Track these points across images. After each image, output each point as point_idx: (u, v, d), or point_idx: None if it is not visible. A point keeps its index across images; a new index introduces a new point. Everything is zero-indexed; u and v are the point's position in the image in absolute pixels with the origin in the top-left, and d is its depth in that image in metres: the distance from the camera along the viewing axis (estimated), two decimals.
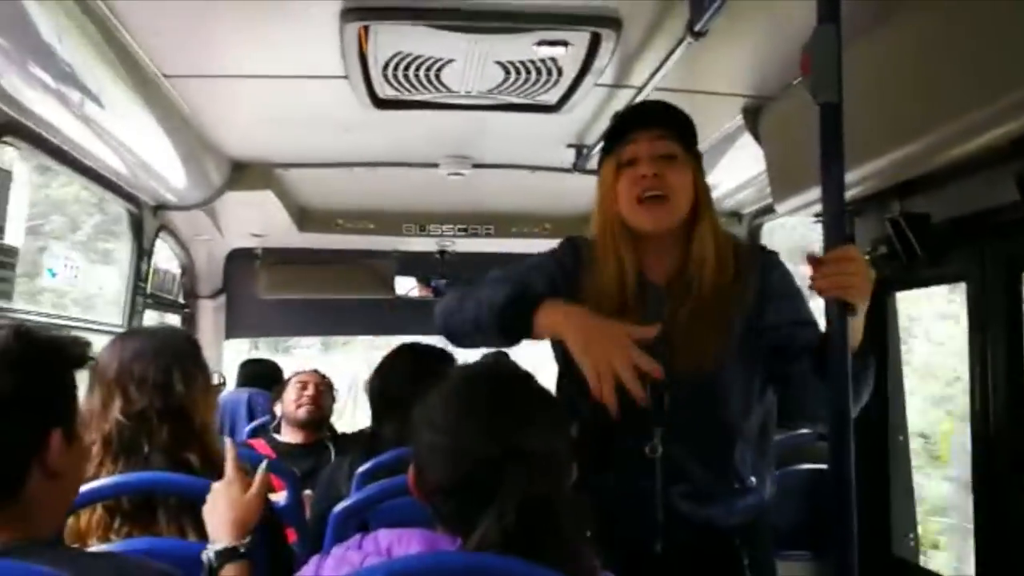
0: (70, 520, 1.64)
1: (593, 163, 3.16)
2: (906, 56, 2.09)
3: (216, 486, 1.62)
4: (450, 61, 2.41)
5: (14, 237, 2.31)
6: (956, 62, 1.91)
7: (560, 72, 2.49)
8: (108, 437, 1.73)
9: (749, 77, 2.64)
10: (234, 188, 3.58)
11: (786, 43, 2.18)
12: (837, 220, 1.60)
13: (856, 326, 1.64)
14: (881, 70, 2.14)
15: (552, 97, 2.70)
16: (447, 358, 2.41)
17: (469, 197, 4.11)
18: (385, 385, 2.41)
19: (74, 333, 1.61)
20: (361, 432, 3.28)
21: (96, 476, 1.67)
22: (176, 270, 4.47)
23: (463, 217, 4.46)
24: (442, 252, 4.83)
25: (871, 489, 2.70)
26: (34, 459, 1.13)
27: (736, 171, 3.31)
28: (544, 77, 2.53)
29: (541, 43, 2.28)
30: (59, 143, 2.56)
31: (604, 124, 2.89)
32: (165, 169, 3.11)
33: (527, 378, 1.32)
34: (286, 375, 4.23)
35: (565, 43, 2.28)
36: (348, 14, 2.13)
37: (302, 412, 3.67)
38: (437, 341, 2.38)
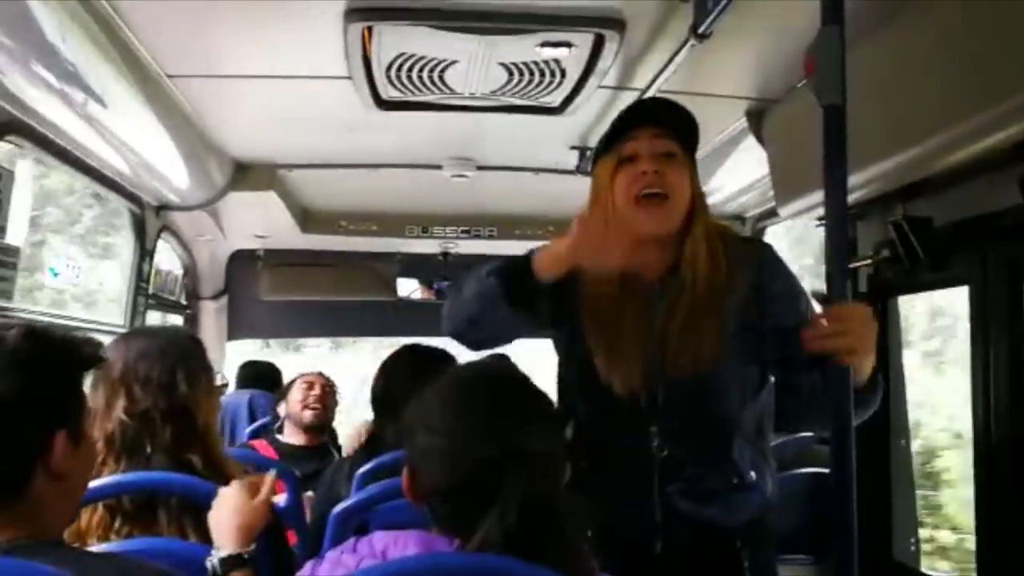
0: None
1: None
2: (910, 59, 2.09)
3: (223, 491, 1.61)
4: (453, 62, 2.41)
5: (15, 237, 2.31)
6: (959, 65, 1.91)
7: (563, 74, 2.49)
8: (111, 436, 1.72)
9: (753, 79, 2.64)
10: (237, 189, 3.58)
11: (790, 45, 2.18)
12: (840, 223, 1.60)
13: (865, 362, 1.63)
14: (885, 72, 2.14)
15: (555, 99, 2.69)
16: (449, 359, 2.41)
17: (472, 199, 4.10)
18: (387, 386, 2.41)
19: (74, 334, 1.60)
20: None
21: (98, 475, 1.66)
22: (178, 271, 4.47)
23: (466, 219, 4.45)
24: (445, 254, 4.83)
25: (872, 494, 2.69)
26: (39, 460, 1.13)
27: (739, 174, 3.31)
28: (547, 79, 2.53)
29: (544, 44, 2.28)
30: (62, 142, 2.56)
31: (607, 126, 2.88)
32: (168, 169, 3.11)
33: (524, 379, 1.32)
34: (286, 376, 4.23)
35: (568, 44, 2.28)
36: (352, 15, 2.13)
37: (308, 415, 3.66)
38: (440, 343, 2.38)
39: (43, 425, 1.13)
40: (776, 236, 3.98)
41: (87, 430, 1.22)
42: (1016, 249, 2.15)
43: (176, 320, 4.45)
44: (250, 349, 6.14)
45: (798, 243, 5.39)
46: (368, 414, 2.59)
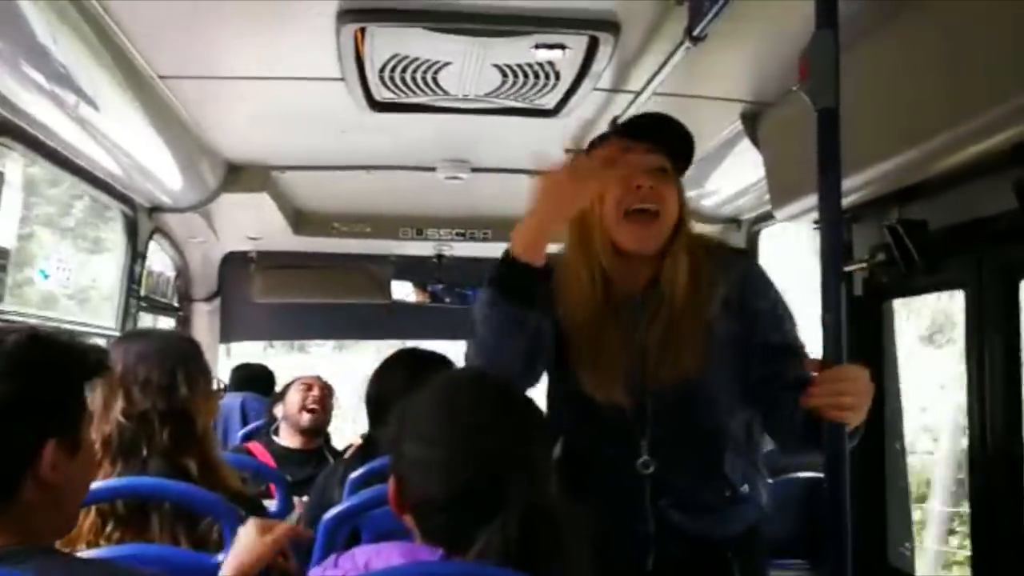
0: None
1: None
2: (905, 62, 2.09)
3: (242, 530, 1.59)
4: (447, 64, 2.40)
5: (5, 239, 2.29)
6: (955, 69, 1.91)
7: (558, 76, 2.48)
8: (108, 438, 1.72)
9: (748, 82, 2.63)
10: (229, 190, 3.56)
11: (785, 48, 2.17)
12: (834, 227, 1.59)
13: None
14: (879, 76, 2.13)
15: (550, 101, 2.68)
16: (446, 364, 2.39)
17: (467, 201, 4.09)
18: (381, 390, 2.39)
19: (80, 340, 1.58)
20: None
21: (94, 478, 1.65)
22: (171, 272, 4.45)
23: (460, 221, 4.44)
24: (439, 256, 4.81)
25: (867, 498, 2.69)
26: (28, 468, 1.11)
27: (735, 177, 3.30)
28: (542, 81, 2.52)
29: (539, 46, 2.27)
30: (53, 144, 2.54)
31: (602, 129, 2.88)
32: (160, 171, 3.10)
33: (513, 387, 1.31)
34: (280, 379, 4.22)
35: (563, 47, 2.27)
36: (344, 16, 2.12)
37: (306, 417, 3.65)
38: (437, 347, 2.36)
39: (33, 433, 1.11)
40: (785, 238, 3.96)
41: (87, 438, 1.20)
42: (1011, 253, 2.14)
43: (168, 323, 4.43)
44: (253, 351, 6.14)
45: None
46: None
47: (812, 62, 1.55)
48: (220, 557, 1.58)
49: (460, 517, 1.15)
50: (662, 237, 1.80)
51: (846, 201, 2.08)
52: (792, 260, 4.97)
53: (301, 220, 4.36)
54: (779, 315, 1.85)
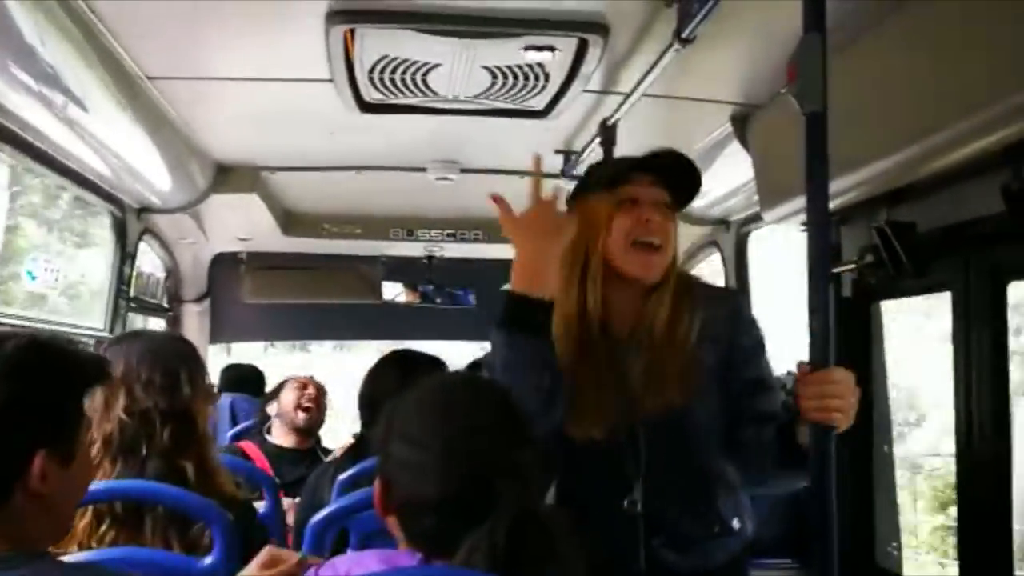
0: None
1: (582, 170, 3.15)
2: (892, 66, 2.09)
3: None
4: (437, 65, 2.40)
5: None
6: (943, 72, 1.92)
7: (547, 77, 2.48)
8: (109, 437, 1.71)
9: (737, 85, 2.64)
10: (219, 191, 3.55)
11: (774, 51, 2.17)
12: (822, 230, 1.60)
13: None
14: (868, 79, 2.14)
15: (539, 103, 2.68)
16: (439, 366, 2.39)
17: (457, 202, 4.08)
18: (374, 391, 2.39)
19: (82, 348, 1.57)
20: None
21: (96, 476, 1.65)
22: (160, 273, 4.43)
23: (451, 222, 4.43)
24: (429, 257, 4.81)
25: (855, 499, 2.70)
26: (19, 477, 1.10)
27: (724, 179, 3.30)
28: (531, 82, 2.52)
29: (528, 48, 2.27)
30: (41, 146, 2.53)
31: (592, 130, 2.89)
32: (149, 172, 3.09)
33: (504, 391, 1.31)
34: (279, 377, 4.20)
35: (552, 48, 2.27)
36: (334, 17, 2.12)
37: (301, 416, 3.65)
38: (427, 347, 2.36)
39: (25, 441, 1.11)
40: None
41: (83, 447, 1.19)
42: (998, 255, 2.15)
43: (158, 324, 4.42)
44: (254, 351, 6.12)
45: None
46: None
47: (800, 66, 1.56)
48: (208, 560, 1.58)
49: (447, 520, 1.15)
50: (663, 269, 1.82)
51: (835, 203, 2.09)
52: (782, 261, 4.97)
53: (291, 221, 4.35)
54: (758, 352, 1.88)
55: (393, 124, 2.91)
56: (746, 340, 1.86)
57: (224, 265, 4.82)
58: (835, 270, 2.64)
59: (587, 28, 2.19)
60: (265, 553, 1.51)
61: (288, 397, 3.67)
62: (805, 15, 1.56)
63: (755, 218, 3.49)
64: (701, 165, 3.12)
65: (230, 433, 4.04)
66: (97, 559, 1.54)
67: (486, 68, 2.42)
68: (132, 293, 3.68)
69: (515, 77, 2.48)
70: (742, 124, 2.85)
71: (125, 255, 3.52)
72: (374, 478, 1.96)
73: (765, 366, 1.88)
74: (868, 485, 2.74)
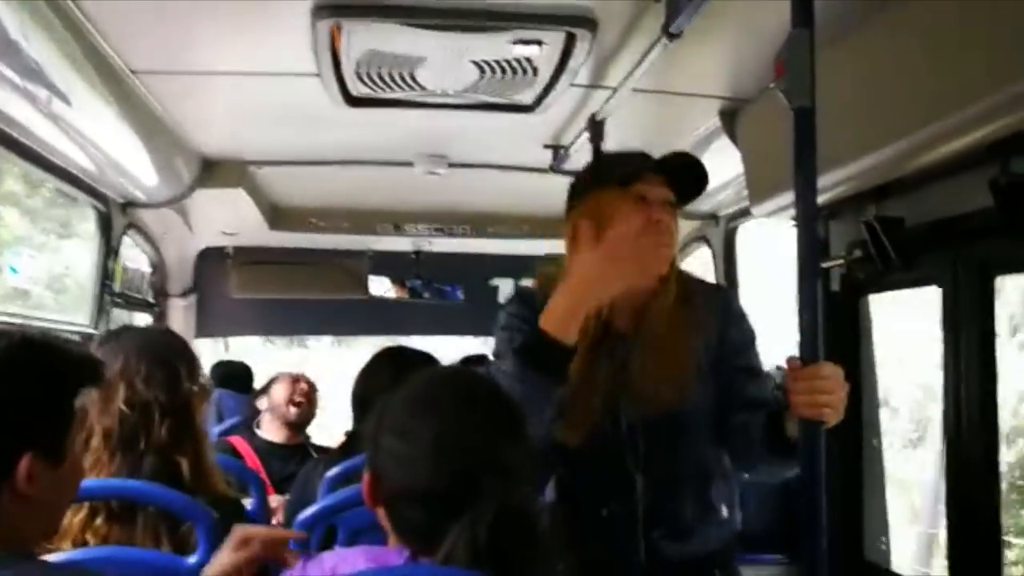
0: None
1: (570, 164, 3.15)
2: (881, 61, 2.09)
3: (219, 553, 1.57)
4: (424, 59, 2.38)
5: None
6: (931, 67, 1.91)
7: (535, 72, 2.47)
8: (109, 431, 1.71)
9: (726, 79, 2.63)
10: (205, 186, 3.52)
11: (763, 46, 2.16)
12: (810, 224, 1.60)
13: None
14: (857, 73, 2.14)
15: (527, 97, 2.67)
16: (431, 363, 2.39)
17: (445, 197, 4.08)
18: (366, 389, 2.38)
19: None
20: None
21: (93, 471, 1.66)
22: (146, 268, 4.41)
23: (439, 217, 4.42)
24: (417, 252, 4.80)
25: (845, 494, 2.70)
26: (5, 478, 1.09)
27: (713, 173, 3.23)
28: (519, 76, 2.50)
29: (516, 42, 2.26)
30: (25, 140, 2.50)
31: (580, 125, 2.88)
32: (134, 166, 3.06)
33: (497, 387, 1.30)
34: (257, 377, 4.19)
35: (540, 42, 2.26)
36: (320, 11, 2.10)
37: (293, 411, 3.64)
38: (414, 342, 2.35)
39: (10, 442, 1.09)
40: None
41: (73, 449, 1.18)
42: (986, 250, 2.16)
43: (144, 319, 4.39)
44: (251, 347, 6.10)
45: None
46: None
47: (788, 61, 1.56)
48: (193, 559, 1.57)
49: (434, 514, 1.15)
50: (668, 263, 1.84)
51: (824, 197, 2.09)
52: (771, 254, 4.98)
53: (278, 215, 4.32)
54: (747, 343, 1.92)
55: (380, 118, 2.89)
56: (735, 333, 1.90)
57: (210, 260, 4.79)
58: (824, 265, 2.65)
59: (575, 22, 2.17)
60: (236, 534, 1.51)
61: (280, 391, 3.67)
62: (793, 10, 1.56)
63: (744, 213, 3.49)
64: None
65: (217, 429, 4.02)
66: (82, 559, 1.54)
67: (473, 62, 2.41)
68: (117, 288, 3.66)
69: (503, 71, 2.47)
70: (731, 119, 2.85)
71: (109, 250, 3.50)
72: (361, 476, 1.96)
73: (755, 356, 1.91)
74: (857, 480, 2.75)
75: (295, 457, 3.55)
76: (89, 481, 1.63)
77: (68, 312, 3.55)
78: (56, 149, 2.66)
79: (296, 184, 3.93)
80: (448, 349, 4.87)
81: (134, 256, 4.23)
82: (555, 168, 3.37)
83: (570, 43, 2.27)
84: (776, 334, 2.38)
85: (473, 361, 3.95)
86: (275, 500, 2.89)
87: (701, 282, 2.06)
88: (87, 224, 3.53)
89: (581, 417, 1.77)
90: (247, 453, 3.46)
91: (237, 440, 3.58)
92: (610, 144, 2.65)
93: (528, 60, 2.38)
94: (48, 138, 2.54)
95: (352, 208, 4.34)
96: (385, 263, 4.88)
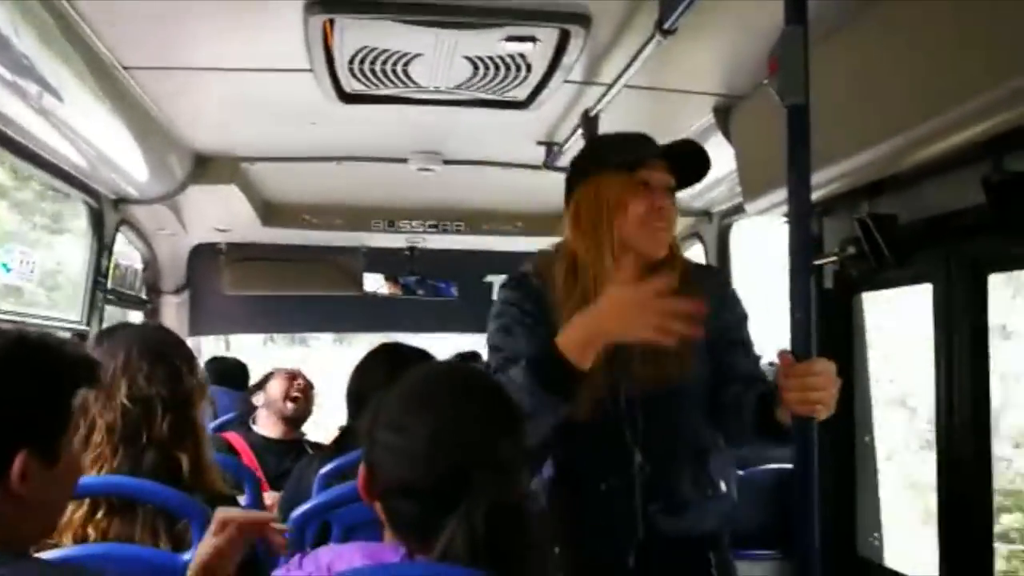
0: None
1: (564, 161, 3.14)
2: (874, 58, 2.10)
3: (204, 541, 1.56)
4: (417, 55, 2.38)
5: None
6: (924, 64, 1.92)
7: (529, 68, 2.47)
8: (112, 425, 1.70)
9: (719, 76, 2.64)
10: (197, 182, 3.52)
11: (756, 43, 2.17)
12: (803, 221, 1.60)
13: None
14: (851, 71, 2.14)
15: (521, 93, 2.67)
16: (427, 359, 2.38)
17: (439, 193, 4.07)
18: (360, 384, 2.37)
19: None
20: None
21: (95, 466, 1.66)
22: (138, 265, 4.39)
23: (433, 213, 4.42)
24: (411, 248, 4.79)
25: (838, 490, 2.71)
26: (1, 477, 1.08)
27: None
28: (513, 73, 2.50)
29: (509, 39, 2.26)
30: (16, 136, 2.50)
31: (574, 121, 2.88)
32: (126, 163, 3.05)
33: (493, 382, 1.30)
34: (252, 374, 4.18)
35: (534, 39, 2.26)
36: (313, 7, 2.09)
37: (290, 406, 3.62)
38: (409, 339, 2.35)
39: (3, 441, 1.09)
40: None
41: (68, 449, 1.17)
42: (979, 248, 2.16)
43: (136, 316, 4.38)
44: (253, 345, 6.08)
45: None
46: None
47: (781, 58, 1.56)
48: (187, 556, 1.57)
49: (427, 507, 1.15)
50: (668, 243, 1.88)
51: (817, 194, 2.09)
52: (765, 250, 4.97)
53: (271, 212, 4.32)
54: (740, 321, 1.95)
55: (374, 115, 2.88)
56: (730, 312, 1.94)
57: (203, 256, 4.78)
58: (817, 262, 2.65)
59: (569, 19, 2.17)
60: (217, 519, 1.51)
61: (276, 387, 3.66)
62: (787, 7, 1.56)
63: (737, 210, 3.49)
64: None
65: (212, 425, 4.01)
66: (78, 555, 1.53)
67: (467, 58, 2.41)
68: (110, 285, 3.65)
69: (496, 68, 2.46)
70: (725, 115, 2.85)
71: (102, 246, 3.49)
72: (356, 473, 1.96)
73: (747, 334, 1.95)
74: (850, 476, 2.75)
75: (291, 453, 3.54)
76: (87, 477, 1.64)
77: (59, 309, 3.53)
78: (48, 145, 2.66)
79: (289, 180, 3.92)
80: (442, 345, 4.86)
81: (127, 252, 4.22)
82: (549, 165, 3.37)
83: (564, 39, 2.26)
84: (770, 331, 2.38)
85: (466, 357, 3.95)
86: (270, 496, 2.88)
87: (698, 264, 2.13)
88: (79, 220, 3.52)
89: (589, 392, 1.76)
90: (243, 449, 3.45)
91: (233, 436, 3.56)
92: None
93: (522, 56, 2.38)
94: (40, 134, 2.54)
95: (346, 204, 4.33)
96: (379, 260, 4.87)
